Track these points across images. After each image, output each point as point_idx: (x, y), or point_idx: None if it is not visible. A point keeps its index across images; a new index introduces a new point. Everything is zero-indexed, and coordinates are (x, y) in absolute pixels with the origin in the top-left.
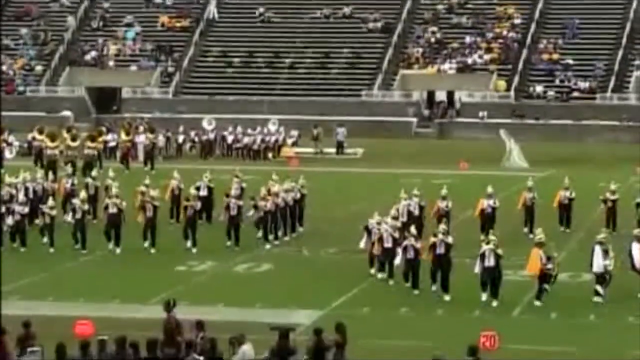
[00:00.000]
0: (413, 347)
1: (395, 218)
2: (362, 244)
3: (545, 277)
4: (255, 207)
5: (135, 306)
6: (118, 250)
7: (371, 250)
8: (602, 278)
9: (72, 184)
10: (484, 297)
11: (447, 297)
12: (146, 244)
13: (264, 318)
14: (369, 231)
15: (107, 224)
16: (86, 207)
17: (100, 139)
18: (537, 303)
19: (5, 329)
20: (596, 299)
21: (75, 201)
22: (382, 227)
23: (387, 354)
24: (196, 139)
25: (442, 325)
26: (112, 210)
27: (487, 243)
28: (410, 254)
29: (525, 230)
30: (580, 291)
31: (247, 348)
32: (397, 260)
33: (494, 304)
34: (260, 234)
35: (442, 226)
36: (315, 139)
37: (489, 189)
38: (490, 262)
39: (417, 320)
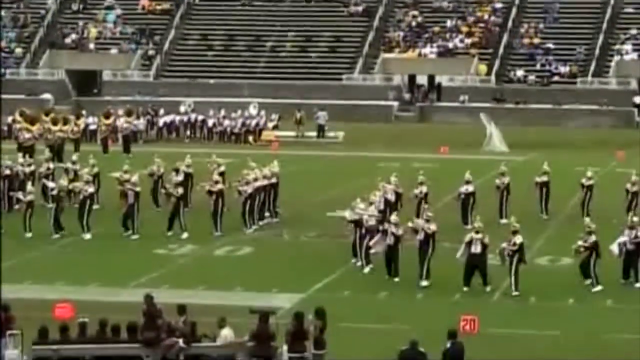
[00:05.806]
0: (393, 331)
1: (372, 204)
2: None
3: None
4: (239, 192)
5: (115, 289)
6: (88, 236)
7: (366, 244)
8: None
9: (48, 168)
10: (466, 289)
11: (424, 283)
12: (128, 233)
13: (244, 301)
14: (356, 223)
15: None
16: (66, 188)
17: (80, 122)
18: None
19: None
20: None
21: (55, 184)
22: (368, 217)
23: (367, 338)
24: (177, 123)
25: (422, 310)
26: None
27: (477, 232)
28: (390, 240)
29: (503, 214)
30: (559, 275)
31: (227, 332)
32: (379, 248)
33: (488, 289)
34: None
35: (428, 213)
36: (298, 123)
37: (467, 175)
38: (476, 249)
39: (397, 304)
